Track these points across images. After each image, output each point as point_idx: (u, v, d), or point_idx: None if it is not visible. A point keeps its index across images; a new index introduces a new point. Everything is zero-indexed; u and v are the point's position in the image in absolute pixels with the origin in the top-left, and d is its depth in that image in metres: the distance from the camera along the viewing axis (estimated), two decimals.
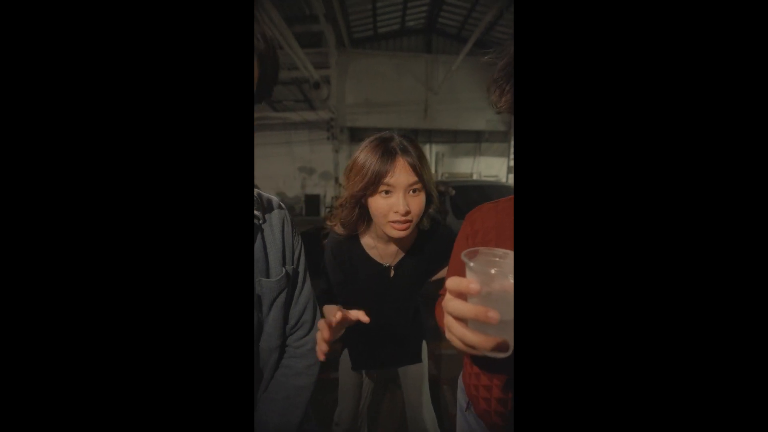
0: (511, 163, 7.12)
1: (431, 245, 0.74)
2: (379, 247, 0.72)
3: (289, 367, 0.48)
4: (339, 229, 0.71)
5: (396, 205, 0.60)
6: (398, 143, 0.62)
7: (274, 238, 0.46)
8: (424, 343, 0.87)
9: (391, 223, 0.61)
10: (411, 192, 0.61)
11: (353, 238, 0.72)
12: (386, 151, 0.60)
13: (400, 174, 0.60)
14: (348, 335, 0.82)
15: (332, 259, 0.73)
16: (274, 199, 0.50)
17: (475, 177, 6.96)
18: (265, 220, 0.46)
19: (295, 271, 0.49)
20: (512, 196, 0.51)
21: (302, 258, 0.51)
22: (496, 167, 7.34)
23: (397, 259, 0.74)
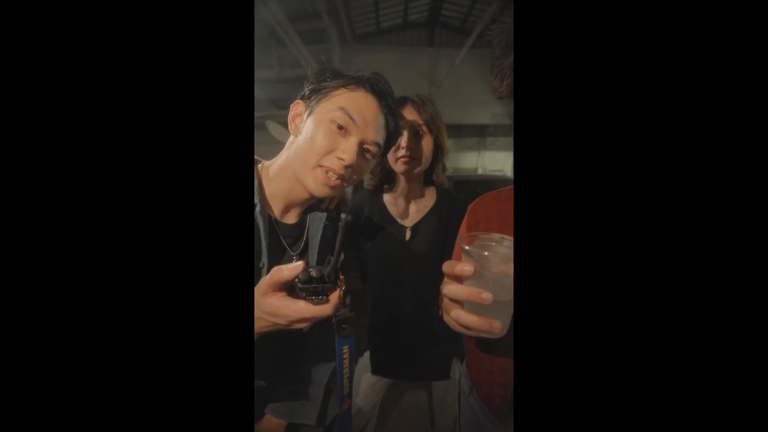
0: None
1: (448, 218, 0.78)
2: (398, 204, 0.79)
3: None
4: (371, 183, 0.83)
5: (401, 141, 0.72)
6: (413, 96, 0.75)
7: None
8: (455, 360, 0.82)
9: (399, 159, 0.73)
10: (415, 134, 0.73)
11: (377, 193, 0.82)
12: (400, 100, 0.74)
13: (405, 116, 0.73)
14: (372, 336, 0.82)
15: (352, 209, 0.80)
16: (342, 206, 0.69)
17: (480, 172, 6.88)
18: (341, 218, 0.58)
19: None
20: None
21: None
22: (501, 162, 7.24)
23: (414, 221, 0.78)
